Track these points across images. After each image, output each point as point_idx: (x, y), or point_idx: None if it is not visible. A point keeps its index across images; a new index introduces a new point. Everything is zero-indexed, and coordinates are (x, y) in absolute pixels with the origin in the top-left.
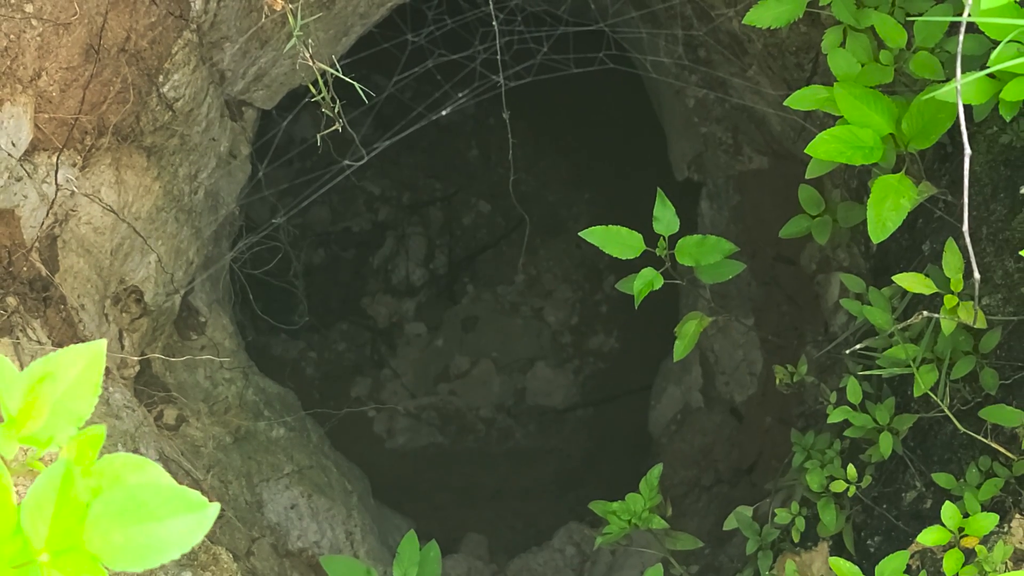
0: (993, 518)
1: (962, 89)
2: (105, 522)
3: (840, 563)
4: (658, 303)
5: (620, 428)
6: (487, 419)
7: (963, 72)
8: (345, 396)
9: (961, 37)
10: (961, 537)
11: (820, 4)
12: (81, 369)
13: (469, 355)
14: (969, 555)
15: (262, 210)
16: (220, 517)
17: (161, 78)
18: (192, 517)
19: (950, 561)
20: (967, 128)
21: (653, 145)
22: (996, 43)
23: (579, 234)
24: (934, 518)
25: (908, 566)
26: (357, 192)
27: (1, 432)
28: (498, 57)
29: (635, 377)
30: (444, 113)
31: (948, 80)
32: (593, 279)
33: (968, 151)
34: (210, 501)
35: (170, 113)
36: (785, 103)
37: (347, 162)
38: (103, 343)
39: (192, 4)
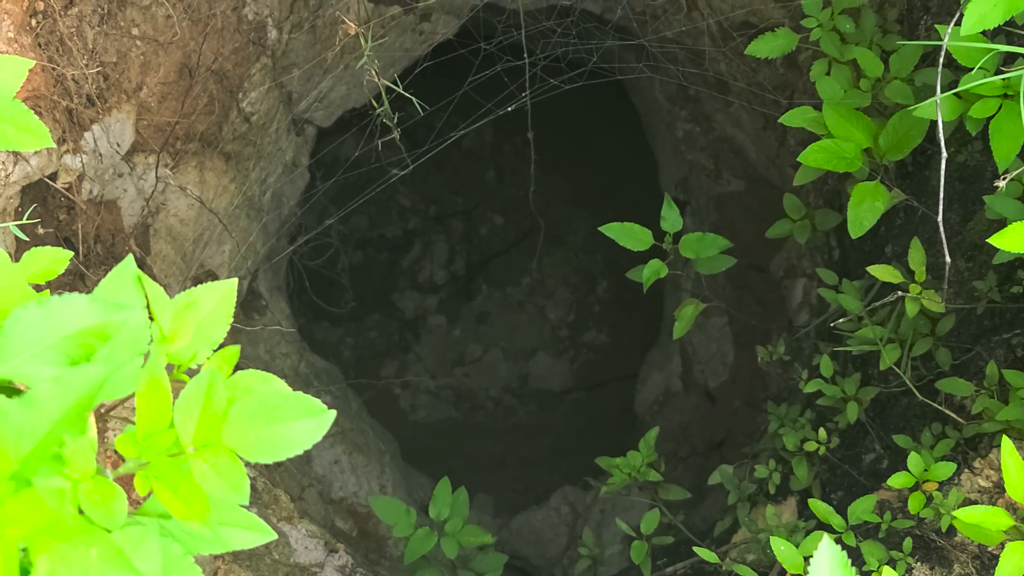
0: (951, 466)
1: (931, 109)
2: (241, 423)
3: (817, 503)
4: (643, 306)
5: (608, 409)
6: (495, 398)
7: (933, 95)
8: (376, 376)
9: (940, 61)
10: (923, 483)
11: (807, 40)
12: (217, 301)
13: (481, 344)
14: (927, 501)
15: (311, 215)
16: (279, 467)
17: (241, 95)
18: (313, 420)
19: (914, 501)
20: (931, 147)
21: (645, 169)
22: (963, 71)
23: (599, 228)
24: (889, 474)
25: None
26: (391, 204)
27: (155, 347)
28: (527, 76)
29: (621, 366)
30: (477, 126)
31: (919, 103)
32: (588, 283)
33: (944, 153)
34: None
35: (247, 125)
36: (780, 120)
37: (395, 171)
38: (235, 281)
39: (269, 34)
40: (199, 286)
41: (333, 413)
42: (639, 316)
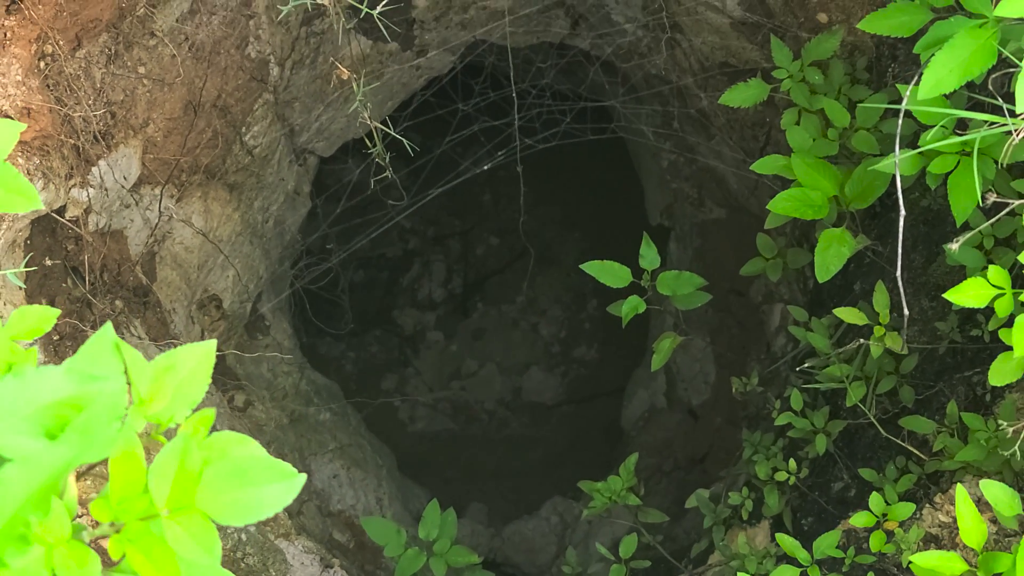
0: (910, 507)
1: (893, 164)
2: (215, 486)
3: (784, 538)
4: (631, 324)
5: (596, 423)
6: (490, 411)
7: (895, 149)
8: (376, 389)
9: (900, 122)
10: (884, 521)
11: (778, 89)
12: (195, 363)
13: (477, 359)
14: (889, 535)
15: (314, 237)
16: None
17: (244, 129)
18: (284, 484)
19: (875, 540)
20: (896, 192)
21: (632, 196)
22: (923, 127)
23: (580, 267)
24: (857, 504)
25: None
26: (392, 225)
27: (133, 410)
28: (515, 126)
29: (609, 381)
30: (486, 168)
31: (882, 154)
32: (579, 302)
33: (903, 212)
34: None
35: (249, 157)
36: (751, 167)
37: (392, 201)
38: (213, 343)
39: (271, 71)
40: (178, 348)
41: (303, 477)
42: (626, 333)
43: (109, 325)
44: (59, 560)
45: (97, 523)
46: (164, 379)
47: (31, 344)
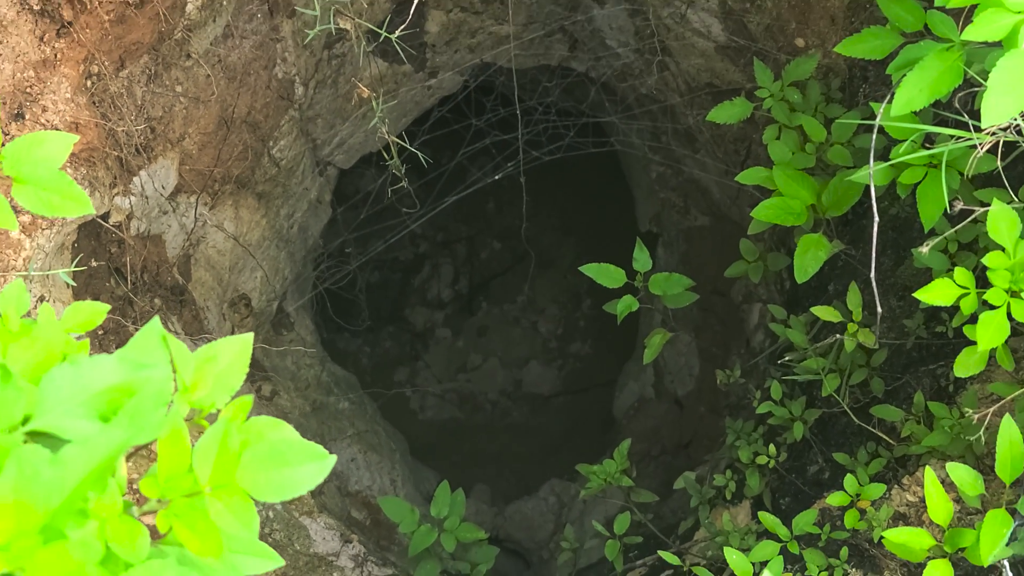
0: (881, 487)
1: (867, 175)
2: (253, 466)
3: (766, 516)
4: (622, 321)
5: (590, 412)
6: (493, 401)
7: (869, 162)
8: (390, 380)
9: (874, 136)
10: (857, 501)
11: (760, 107)
12: (234, 354)
13: (481, 353)
14: (861, 514)
15: (334, 242)
16: None
17: (271, 143)
18: (317, 464)
19: (850, 517)
20: (868, 201)
21: (623, 205)
22: (894, 141)
23: (579, 268)
24: (830, 485)
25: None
26: (404, 230)
27: (178, 397)
28: (520, 141)
29: (602, 374)
30: (497, 177)
31: (855, 166)
32: (574, 302)
33: (876, 218)
34: None
35: (276, 169)
36: (737, 178)
37: (405, 209)
38: (250, 336)
39: (296, 90)
40: (218, 340)
41: (333, 458)
42: (618, 330)
43: (157, 319)
44: (112, 533)
45: (145, 500)
46: (206, 368)
47: (82, 337)
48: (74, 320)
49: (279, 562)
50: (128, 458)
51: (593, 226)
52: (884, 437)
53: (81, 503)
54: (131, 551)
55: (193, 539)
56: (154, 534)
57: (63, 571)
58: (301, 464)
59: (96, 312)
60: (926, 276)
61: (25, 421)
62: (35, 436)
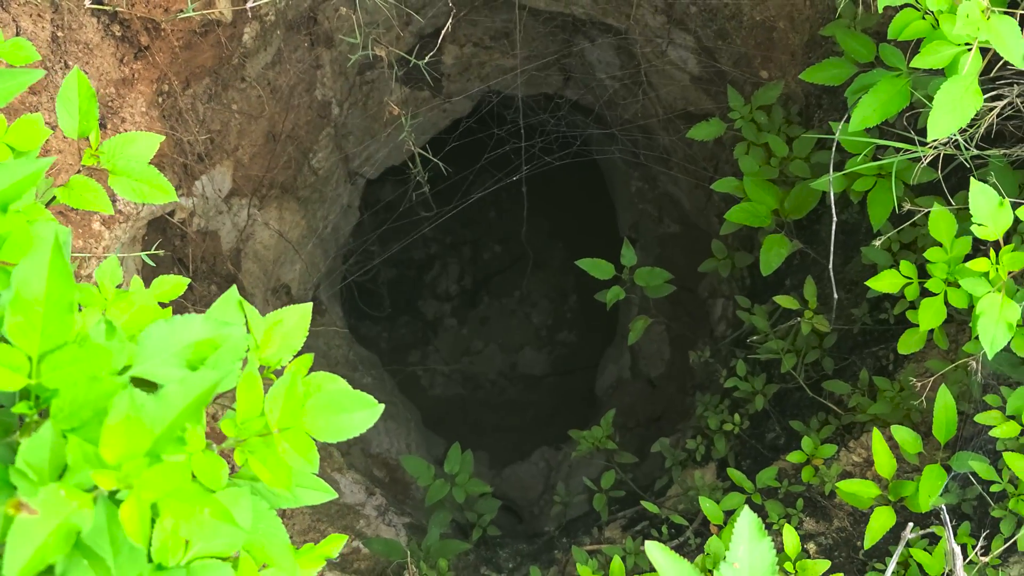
0: (832, 448)
1: (825, 183)
2: (314, 412)
3: (734, 472)
4: (603, 314)
5: (575, 390)
6: (492, 380)
7: (826, 172)
8: (405, 361)
9: (833, 151)
10: (812, 459)
11: (732, 128)
12: (297, 319)
13: (482, 340)
14: (815, 471)
15: (361, 239)
16: None
17: (311, 155)
18: (368, 411)
19: (806, 473)
20: (823, 208)
21: (606, 214)
22: (847, 156)
23: (575, 263)
24: (786, 449)
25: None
26: (417, 233)
27: (251, 353)
28: (522, 154)
29: (586, 359)
30: (496, 187)
31: (812, 178)
32: (562, 297)
33: (835, 219)
34: None
35: (315, 177)
36: (712, 186)
37: (424, 213)
38: (309, 306)
39: (332, 110)
40: (285, 308)
41: (382, 406)
42: (599, 322)
43: (234, 288)
44: (197, 465)
45: (225, 438)
46: (274, 330)
47: (165, 305)
48: (160, 289)
49: (333, 495)
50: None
51: (579, 233)
52: (833, 408)
53: (179, 432)
54: (214, 480)
55: (265, 472)
56: (232, 468)
57: (164, 488)
58: (355, 411)
59: (178, 284)
60: (871, 271)
61: (125, 370)
62: (134, 382)
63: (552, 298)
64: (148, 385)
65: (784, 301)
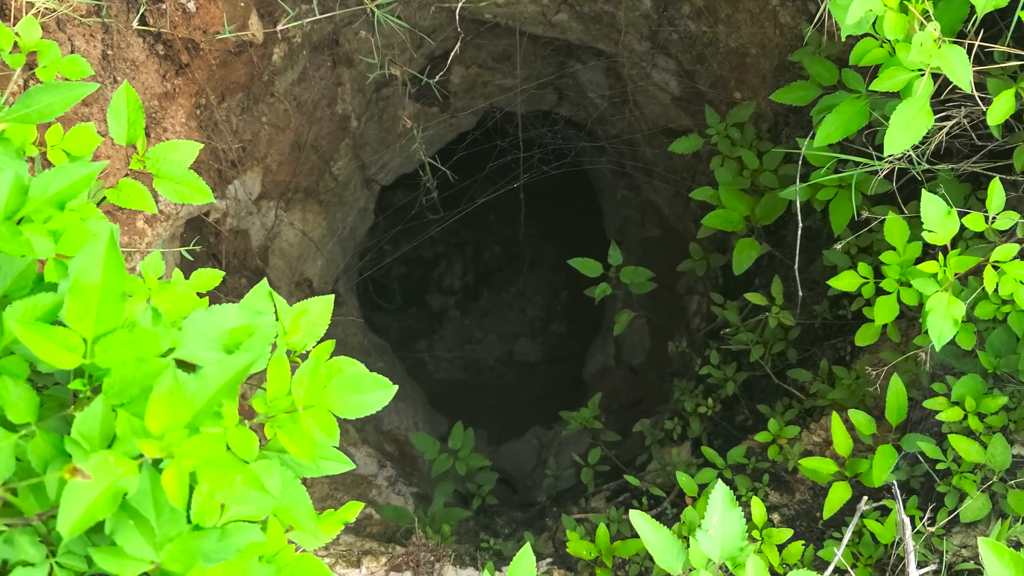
0: (795, 429)
1: (792, 192)
2: (336, 392)
3: (707, 449)
4: (590, 309)
5: (565, 376)
6: (491, 367)
7: (793, 183)
8: (413, 348)
9: (800, 164)
10: (777, 439)
11: (709, 142)
12: (320, 309)
13: (483, 330)
14: (780, 449)
15: (376, 239)
16: None
17: (332, 163)
18: (384, 392)
19: (772, 451)
20: (790, 215)
21: (594, 219)
22: (811, 168)
23: (567, 261)
24: (753, 430)
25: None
26: (425, 234)
27: (280, 339)
28: (521, 165)
29: (575, 348)
30: (497, 194)
31: (780, 188)
32: (554, 292)
33: (800, 225)
34: None
35: (335, 183)
36: (690, 194)
37: (432, 215)
38: (331, 297)
39: (351, 123)
40: (309, 299)
41: (396, 387)
42: (587, 315)
43: (265, 280)
44: (231, 437)
45: (255, 414)
46: (300, 319)
47: (203, 295)
48: (199, 281)
49: (351, 465)
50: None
51: (570, 236)
52: (797, 393)
53: (216, 408)
54: (246, 451)
55: (291, 445)
56: (262, 441)
57: (202, 456)
58: (372, 391)
59: (214, 276)
60: (832, 273)
61: (168, 352)
62: (177, 363)
63: (545, 293)
64: (189, 367)
65: (754, 298)
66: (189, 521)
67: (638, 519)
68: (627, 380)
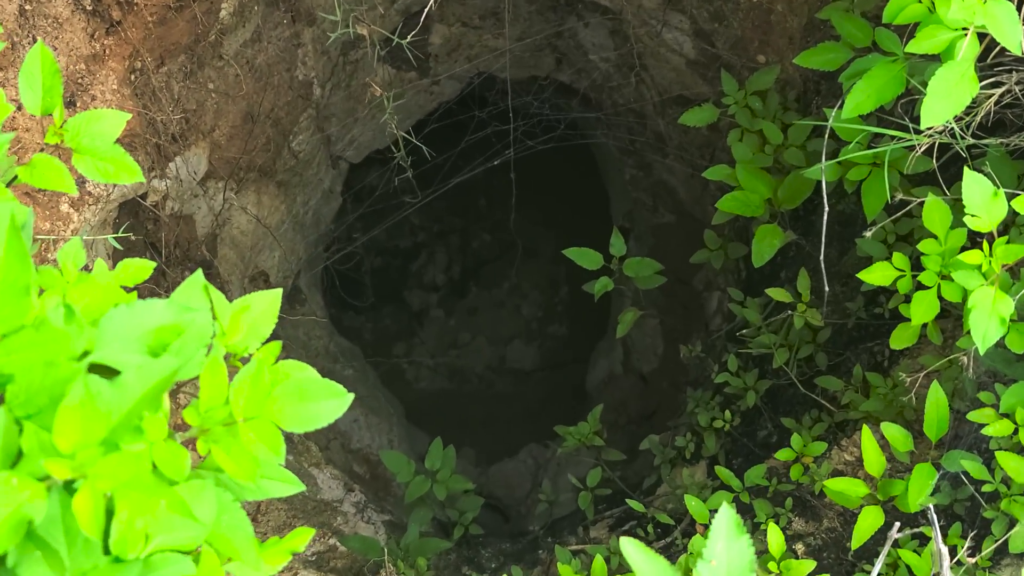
0: (823, 445)
1: (818, 172)
2: (281, 401)
3: (722, 470)
4: (594, 306)
5: (565, 385)
6: (479, 374)
7: (821, 160)
8: (389, 353)
9: (826, 138)
10: (801, 457)
11: (726, 114)
12: (265, 306)
13: (470, 332)
14: (805, 469)
15: (344, 229)
16: None
17: (291, 137)
18: (337, 401)
19: (795, 471)
20: (818, 198)
21: (599, 203)
22: (842, 143)
23: (563, 252)
24: (778, 447)
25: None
26: (404, 221)
27: (217, 340)
28: (511, 137)
29: (576, 352)
30: (484, 168)
31: (807, 166)
32: (553, 288)
33: (827, 208)
34: None
35: (295, 160)
36: (704, 173)
37: (408, 199)
38: (279, 291)
39: (314, 91)
40: (252, 293)
41: (352, 396)
42: (591, 314)
43: (199, 271)
44: (158, 455)
45: (187, 427)
46: (240, 317)
47: (130, 290)
48: (125, 273)
49: (300, 487)
50: (172, 393)
51: (572, 222)
52: (826, 404)
53: (136, 421)
54: (176, 471)
55: (229, 463)
56: (195, 458)
57: (120, 478)
58: (323, 400)
59: (143, 268)
60: (867, 264)
61: (84, 355)
62: (93, 368)
63: (543, 289)
64: (109, 372)
65: (776, 294)
66: (108, 552)
67: (630, 547)
68: (637, 390)
